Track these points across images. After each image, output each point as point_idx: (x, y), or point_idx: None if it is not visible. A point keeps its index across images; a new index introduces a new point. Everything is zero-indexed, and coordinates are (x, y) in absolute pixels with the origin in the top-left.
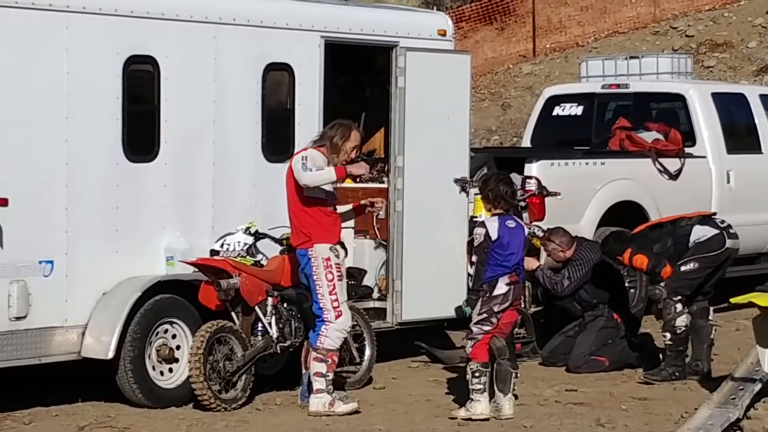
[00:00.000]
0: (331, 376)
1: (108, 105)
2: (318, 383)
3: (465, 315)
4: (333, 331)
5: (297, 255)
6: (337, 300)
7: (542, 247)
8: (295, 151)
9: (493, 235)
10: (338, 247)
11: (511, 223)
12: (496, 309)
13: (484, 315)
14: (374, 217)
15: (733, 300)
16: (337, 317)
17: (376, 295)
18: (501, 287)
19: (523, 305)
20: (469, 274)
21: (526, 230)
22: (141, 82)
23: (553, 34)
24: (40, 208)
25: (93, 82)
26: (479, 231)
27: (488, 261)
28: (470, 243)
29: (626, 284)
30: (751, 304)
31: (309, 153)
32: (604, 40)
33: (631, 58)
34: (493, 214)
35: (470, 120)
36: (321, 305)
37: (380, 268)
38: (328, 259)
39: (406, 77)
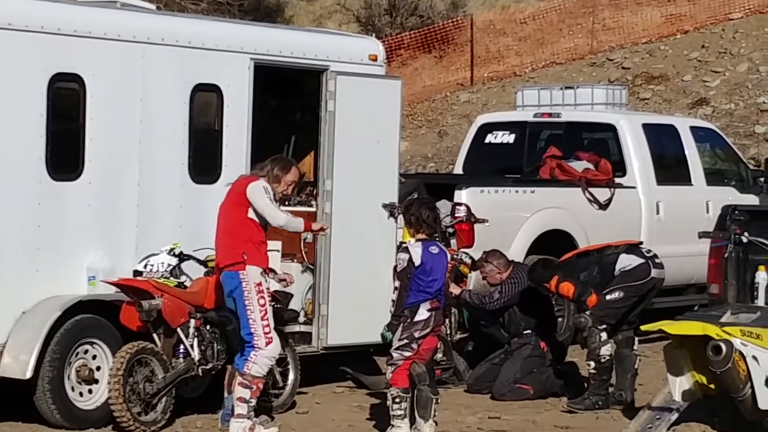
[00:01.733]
0: (254, 402)
1: (32, 122)
2: (240, 408)
3: (386, 340)
4: (262, 358)
5: (225, 277)
6: (268, 326)
7: (473, 273)
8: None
9: (417, 261)
10: (266, 272)
11: (434, 249)
12: (416, 335)
13: (405, 341)
14: (302, 241)
15: (643, 327)
16: (267, 344)
17: (302, 319)
18: (422, 313)
19: (446, 331)
20: (392, 300)
21: (452, 256)
22: (66, 100)
23: (491, 63)
24: None
25: (17, 99)
26: (402, 256)
27: (410, 287)
28: (395, 269)
29: (555, 312)
30: (661, 332)
31: (266, 183)
32: (541, 71)
33: (567, 88)
34: (417, 240)
35: (400, 145)
36: (252, 330)
37: (307, 292)
38: (260, 283)
39: (336, 101)
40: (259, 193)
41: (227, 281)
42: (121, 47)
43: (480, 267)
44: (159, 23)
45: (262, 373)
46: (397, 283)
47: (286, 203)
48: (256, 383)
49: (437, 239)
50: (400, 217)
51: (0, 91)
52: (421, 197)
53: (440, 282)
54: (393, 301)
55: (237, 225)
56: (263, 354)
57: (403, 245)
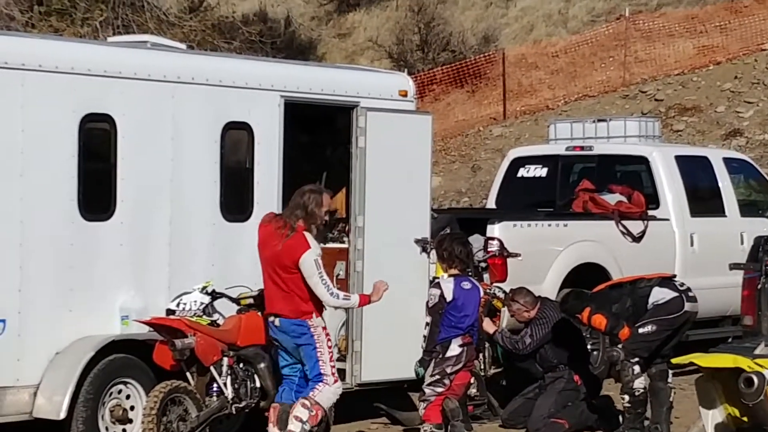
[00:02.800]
0: (308, 427)
1: (64, 163)
2: (294, 426)
3: (419, 376)
4: (328, 392)
5: (288, 324)
6: (334, 366)
7: (505, 308)
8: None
9: (448, 297)
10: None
11: (466, 285)
12: (448, 370)
13: (437, 376)
14: (335, 277)
15: (674, 361)
16: (334, 382)
17: (336, 355)
18: (454, 349)
19: (480, 366)
20: (423, 335)
21: (485, 291)
22: (98, 140)
23: (524, 97)
24: None
25: (49, 140)
26: (434, 292)
27: (442, 322)
28: (427, 304)
29: (588, 346)
30: (692, 365)
31: (315, 250)
32: (573, 104)
33: (599, 121)
34: (450, 275)
35: (432, 180)
36: (321, 371)
37: (340, 328)
38: (325, 328)
39: (367, 137)
40: (311, 269)
41: (292, 329)
42: (152, 87)
43: (507, 305)
44: (189, 62)
45: (325, 405)
46: (428, 319)
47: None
48: (316, 408)
49: (470, 274)
50: (433, 252)
51: (32, 133)
52: (454, 232)
53: (472, 318)
54: (425, 336)
55: (294, 287)
56: (330, 389)
57: (435, 281)
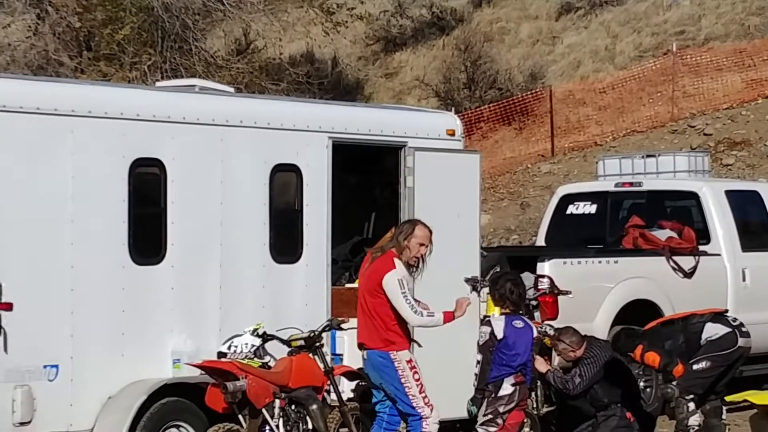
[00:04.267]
0: None
1: (114, 208)
2: None
3: (471, 415)
4: (433, 425)
5: (373, 356)
6: (426, 396)
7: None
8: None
9: (499, 335)
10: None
11: (518, 323)
12: (501, 410)
13: (490, 416)
14: None
15: (729, 398)
16: (431, 410)
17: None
18: (506, 388)
19: (532, 405)
20: (475, 374)
21: (536, 330)
22: (147, 184)
23: (572, 133)
24: (45, 311)
25: (99, 185)
26: (484, 329)
27: (494, 360)
28: (478, 342)
29: (640, 383)
30: (746, 402)
31: (400, 271)
32: (622, 139)
33: (648, 156)
34: (502, 314)
35: (481, 218)
36: (414, 405)
37: None
38: (411, 360)
39: (415, 177)
40: (394, 288)
41: (377, 360)
42: (201, 131)
43: (553, 345)
44: (237, 106)
45: None
46: (479, 357)
47: None
48: None
49: (522, 313)
50: (483, 290)
51: (83, 178)
52: (507, 272)
53: (524, 356)
54: (476, 375)
55: (379, 312)
56: (432, 420)
57: (486, 318)
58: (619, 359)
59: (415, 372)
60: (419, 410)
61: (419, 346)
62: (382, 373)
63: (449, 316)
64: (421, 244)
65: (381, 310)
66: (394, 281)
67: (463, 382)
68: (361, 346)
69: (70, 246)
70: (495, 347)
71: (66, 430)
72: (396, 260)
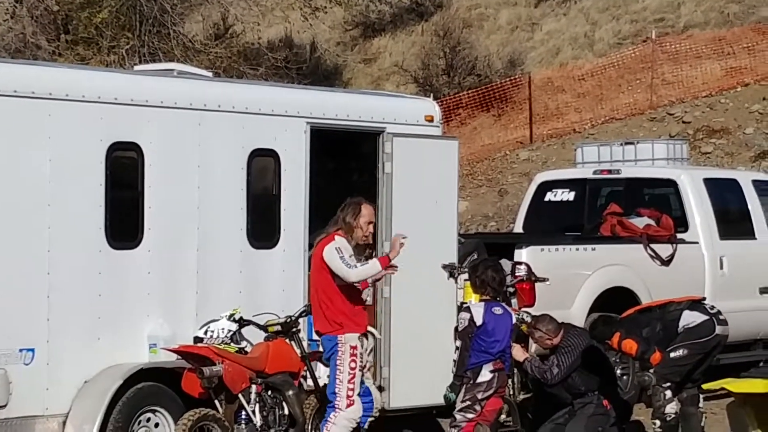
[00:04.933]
0: None
1: (91, 192)
2: None
3: (449, 401)
4: (341, 420)
5: (323, 340)
6: (353, 390)
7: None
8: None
9: (478, 321)
10: (366, 336)
11: (497, 310)
12: (479, 396)
13: (468, 402)
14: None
15: (706, 386)
16: (348, 406)
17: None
18: (485, 374)
19: (510, 392)
20: (453, 360)
21: (515, 317)
22: (125, 168)
23: (550, 120)
24: (21, 295)
25: (76, 169)
26: (464, 316)
27: (472, 347)
28: (456, 329)
29: (617, 371)
30: (723, 390)
31: (339, 242)
32: (600, 127)
33: (627, 144)
34: (481, 300)
35: (459, 205)
36: (335, 390)
37: (368, 354)
38: (356, 347)
39: (393, 163)
40: (332, 255)
41: (325, 344)
42: (178, 115)
43: (529, 333)
44: (215, 90)
45: None
46: (458, 343)
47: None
48: None
49: (500, 300)
50: (460, 277)
51: (60, 162)
52: (487, 259)
53: (503, 343)
54: (454, 361)
55: (326, 290)
56: (343, 415)
57: (464, 305)
58: (597, 347)
59: (353, 360)
60: (337, 400)
61: (375, 337)
62: (329, 355)
63: (384, 260)
64: (369, 222)
65: (328, 287)
66: (331, 249)
67: (440, 369)
68: (317, 333)
69: (46, 229)
70: (474, 334)
71: (42, 413)
72: (337, 236)
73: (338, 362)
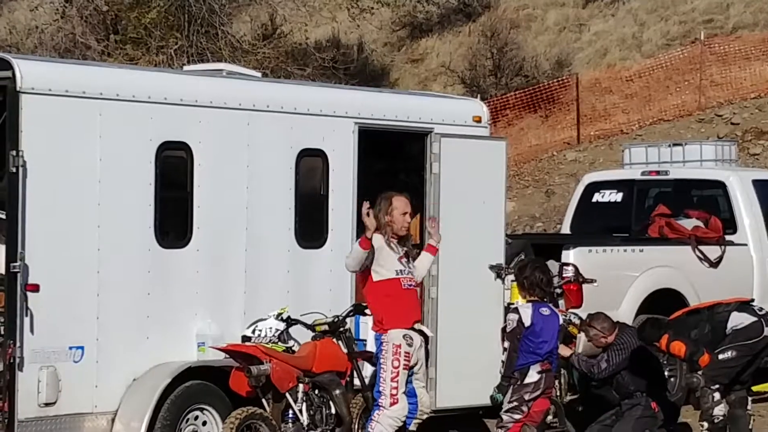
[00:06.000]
0: None
1: (141, 191)
2: None
3: (496, 402)
4: (386, 418)
5: (375, 339)
6: (396, 388)
7: (582, 334)
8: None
9: (526, 322)
10: (413, 334)
11: (545, 311)
12: (527, 397)
13: (515, 403)
14: None
15: (755, 388)
16: (392, 404)
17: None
18: (533, 375)
19: (556, 393)
20: (502, 361)
21: (562, 318)
22: (174, 168)
23: (598, 121)
24: (72, 293)
25: (126, 169)
26: (512, 317)
27: (520, 348)
28: (503, 329)
29: (665, 372)
30: None
31: (358, 241)
32: (648, 128)
33: (675, 145)
34: (528, 301)
35: (506, 206)
36: (380, 389)
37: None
38: (399, 345)
39: (441, 163)
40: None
41: (375, 342)
42: (228, 115)
43: (584, 331)
44: (264, 90)
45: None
46: (506, 344)
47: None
48: None
49: (547, 301)
50: (507, 278)
51: (110, 161)
52: (534, 259)
53: (551, 344)
54: (502, 362)
55: (366, 289)
56: (387, 414)
57: (512, 306)
58: (648, 347)
59: (396, 359)
60: (381, 398)
61: (423, 336)
62: (376, 353)
63: (364, 241)
64: (404, 213)
65: (365, 285)
66: (356, 245)
67: (486, 370)
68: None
69: (96, 228)
70: (522, 335)
71: (90, 411)
72: (373, 235)
73: (382, 360)
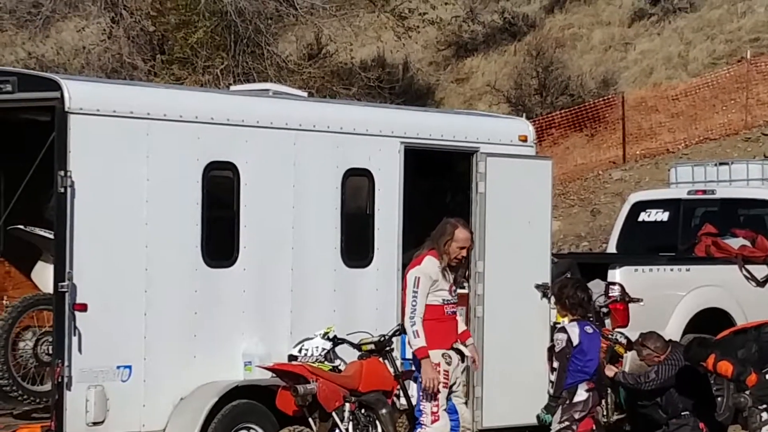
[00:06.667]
0: None
1: (188, 210)
2: None
3: (545, 423)
4: None
5: (413, 358)
6: (437, 406)
7: (629, 353)
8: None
9: (575, 341)
10: (452, 353)
11: (589, 329)
12: (577, 416)
13: (566, 423)
14: None
15: None
16: (433, 422)
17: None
18: (581, 394)
19: (602, 412)
20: (550, 381)
21: (606, 336)
22: (221, 187)
23: (644, 140)
24: (119, 312)
25: (173, 188)
26: (561, 336)
27: (568, 367)
28: (550, 349)
29: (713, 392)
30: None
31: (423, 269)
32: (694, 147)
33: (721, 164)
34: (571, 320)
35: (552, 225)
36: (420, 408)
37: (462, 372)
38: (438, 365)
39: (487, 182)
40: (408, 283)
41: (415, 361)
42: (274, 135)
43: (637, 351)
44: (310, 110)
45: None
46: (555, 364)
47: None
48: None
49: (591, 319)
50: (554, 297)
51: (157, 181)
52: (574, 278)
53: (596, 362)
54: (551, 382)
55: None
56: (429, 431)
57: (559, 325)
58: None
59: (435, 378)
60: (422, 417)
61: (459, 355)
62: (416, 373)
63: (420, 353)
64: (461, 248)
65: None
66: (411, 277)
67: (532, 389)
68: None
69: (144, 248)
70: (570, 354)
71: (138, 430)
72: (428, 258)
73: (422, 379)
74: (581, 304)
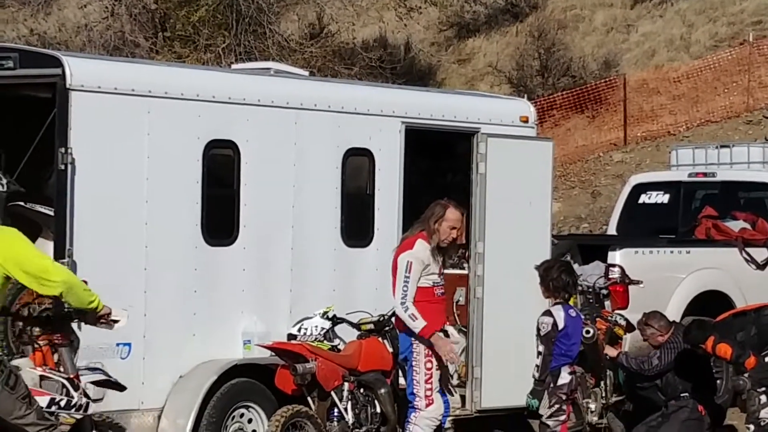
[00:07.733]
0: None
1: (188, 189)
2: None
3: (531, 408)
4: (422, 419)
5: (400, 338)
6: (431, 389)
7: (629, 335)
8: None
9: (560, 324)
10: (441, 335)
11: (572, 313)
12: (564, 397)
13: (556, 406)
14: (454, 303)
15: None
16: (427, 405)
17: (455, 381)
18: (564, 377)
19: (601, 393)
20: (536, 365)
21: (606, 318)
22: (221, 166)
23: (645, 122)
24: (119, 290)
25: (173, 166)
26: (546, 320)
27: (553, 350)
28: (538, 333)
29: (713, 374)
30: None
31: (415, 253)
32: (696, 129)
33: (722, 147)
34: (555, 304)
35: (552, 206)
36: (414, 391)
37: (460, 354)
38: (431, 347)
39: (487, 163)
40: (399, 267)
41: (402, 343)
42: (275, 113)
43: (640, 330)
44: (311, 89)
45: None
46: (541, 348)
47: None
48: None
49: (591, 301)
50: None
51: (158, 159)
52: (560, 260)
53: (578, 345)
54: (537, 366)
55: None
56: (423, 415)
57: (545, 309)
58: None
59: (429, 360)
60: (416, 400)
61: (447, 335)
62: (403, 353)
63: (427, 332)
64: (452, 228)
65: None
66: (402, 261)
67: (530, 370)
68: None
69: (144, 226)
70: (555, 337)
71: (137, 407)
72: (419, 242)
73: (414, 362)
74: (566, 288)
